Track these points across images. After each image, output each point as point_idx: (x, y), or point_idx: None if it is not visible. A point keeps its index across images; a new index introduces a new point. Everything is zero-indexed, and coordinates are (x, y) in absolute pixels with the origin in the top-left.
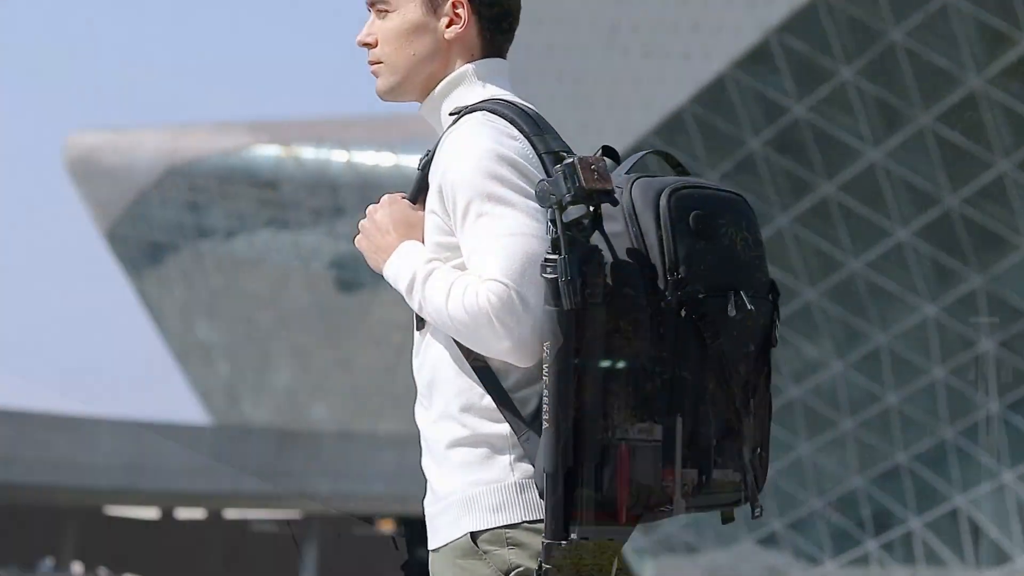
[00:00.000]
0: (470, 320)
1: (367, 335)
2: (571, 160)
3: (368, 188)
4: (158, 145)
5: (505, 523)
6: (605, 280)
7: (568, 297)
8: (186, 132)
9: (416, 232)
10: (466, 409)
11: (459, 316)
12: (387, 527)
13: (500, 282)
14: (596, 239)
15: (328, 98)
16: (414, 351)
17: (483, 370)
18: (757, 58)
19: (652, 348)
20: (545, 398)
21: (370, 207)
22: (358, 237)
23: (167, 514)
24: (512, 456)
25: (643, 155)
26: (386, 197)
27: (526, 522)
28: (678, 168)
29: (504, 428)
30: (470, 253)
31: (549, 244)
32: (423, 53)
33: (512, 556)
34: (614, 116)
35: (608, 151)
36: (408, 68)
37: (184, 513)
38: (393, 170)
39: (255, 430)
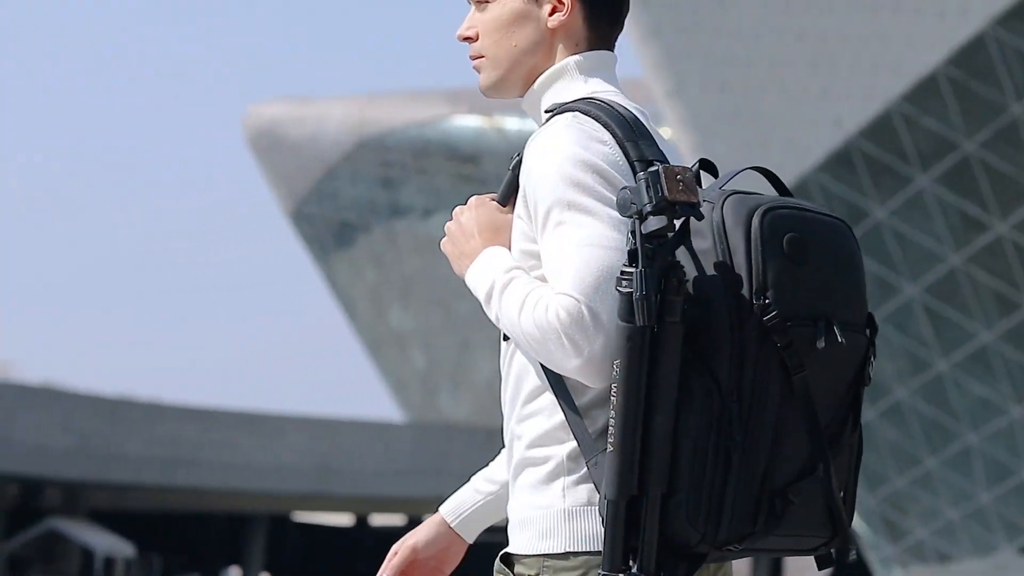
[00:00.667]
0: (540, 335)
1: None
2: (656, 168)
3: None
4: (347, 116)
5: (547, 551)
6: (686, 298)
7: (642, 313)
8: (378, 101)
9: (502, 237)
10: (532, 429)
11: (530, 331)
12: None
13: (571, 296)
14: (682, 254)
15: None
16: (501, 362)
17: (559, 387)
18: (1020, 14)
19: (731, 375)
20: (611, 420)
21: (456, 209)
22: (443, 240)
23: (361, 520)
24: (567, 480)
25: (742, 171)
26: (474, 199)
27: (571, 553)
28: (780, 188)
29: (564, 449)
30: (546, 264)
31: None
32: (525, 44)
33: None
34: (859, 79)
35: (705, 164)
36: (511, 61)
37: (380, 519)
38: None
39: (456, 428)
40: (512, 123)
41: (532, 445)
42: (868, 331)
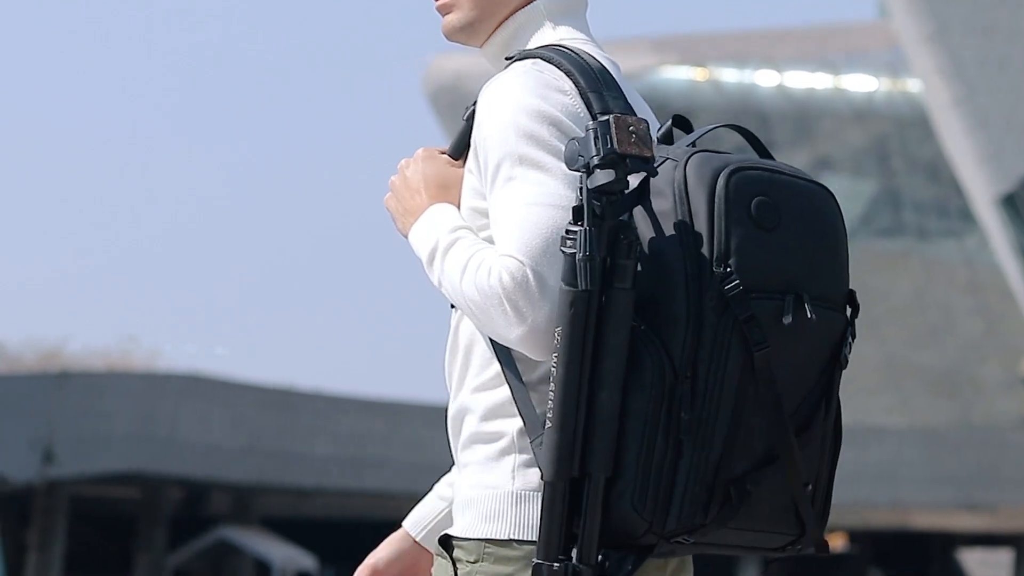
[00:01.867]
0: (481, 301)
1: None
2: (606, 118)
3: (804, 117)
4: None
5: (489, 536)
6: (639, 263)
7: (584, 276)
8: None
9: (451, 194)
10: (483, 402)
11: (472, 296)
12: (837, 542)
13: (516, 259)
14: (640, 216)
15: (751, 6)
16: (450, 330)
17: (507, 359)
18: None
19: (686, 349)
20: (551, 394)
21: (402, 162)
22: (387, 196)
23: None
24: (518, 459)
25: (715, 128)
26: (421, 151)
27: (515, 540)
28: (759, 149)
29: (514, 426)
30: (493, 223)
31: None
32: None
33: (481, 574)
34: None
35: (680, 121)
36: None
37: None
38: (833, 94)
39: None
40: (729, 75)
41: (483, 419)
42: (848, 309)
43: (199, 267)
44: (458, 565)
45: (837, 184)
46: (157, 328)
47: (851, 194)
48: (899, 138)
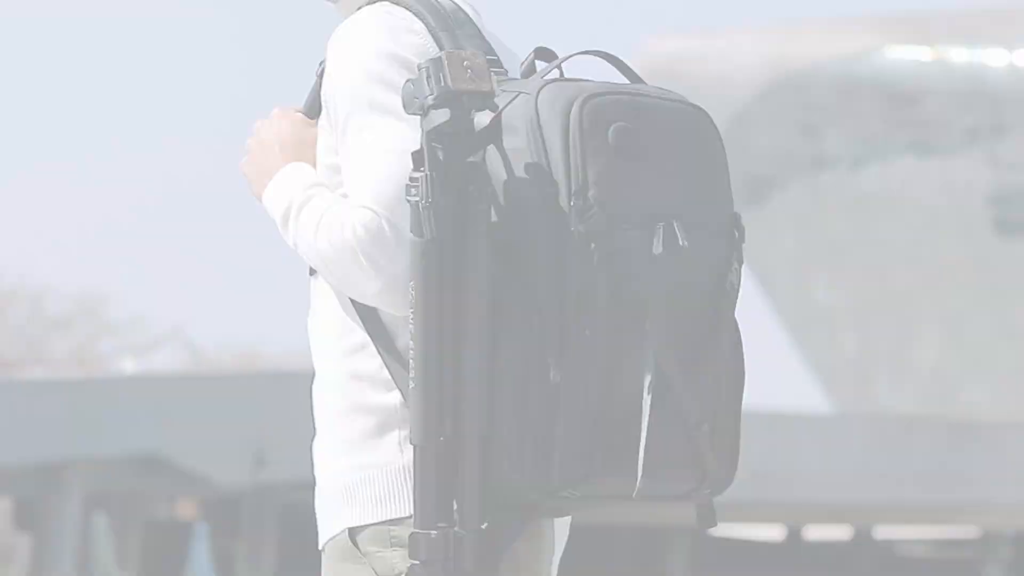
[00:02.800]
0: (335, 256)
1: None
2: (439, 55)
3: None
4: (760, 50)
5: (389, 517)
6: (493, 206)
7: (429, 224)
8: (796, 32)
9: (308, 153)
10: (351, 372)
11: (325, 251)
12: None
13: (369, 209)
14: (492, 155)
15: None
16: (311, 294)
17: (374, 324)
18: None
19: (551, 293)
20: (411, 352)
21: (258, 122)
22: (243, 159)
23: (794, 533)
24: (403, 433)
25: (571, 56)
26: (276, 110)
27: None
28: (629, 75)
29: (395, 398)
30: (346, 175)
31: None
32: None
33: (397, 559)
34: None
35: (543, 53)
36: None
37: (816, 531)
38: None
39: (913, 420)
40: (959, 54)
41: (348, 393)
42: (734, 234)
43: None
44: (371, 559)
45: None
46: None
47: None
48: None
